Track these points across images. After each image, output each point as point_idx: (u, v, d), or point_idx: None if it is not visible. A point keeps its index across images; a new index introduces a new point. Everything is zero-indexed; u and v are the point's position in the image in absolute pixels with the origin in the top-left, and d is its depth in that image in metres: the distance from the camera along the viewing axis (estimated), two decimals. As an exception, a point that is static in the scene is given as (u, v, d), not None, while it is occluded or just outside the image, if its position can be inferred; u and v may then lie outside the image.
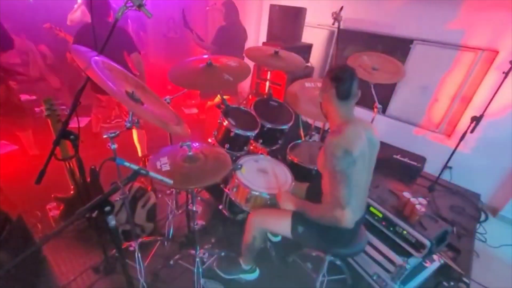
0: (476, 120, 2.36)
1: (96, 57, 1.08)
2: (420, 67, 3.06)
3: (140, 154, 2.64)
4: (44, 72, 3.41)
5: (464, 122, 2.77)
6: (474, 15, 2.61)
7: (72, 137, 1.19)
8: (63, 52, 3.12)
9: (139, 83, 1.36)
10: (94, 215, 1.21)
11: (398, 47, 3.14)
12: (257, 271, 1.77)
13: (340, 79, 1.22)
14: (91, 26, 2.19)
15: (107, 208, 0.91)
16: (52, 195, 1.84)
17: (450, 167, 2.87)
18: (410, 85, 3.17)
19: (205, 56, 1.82)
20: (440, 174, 2.78)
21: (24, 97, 3.18)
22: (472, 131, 2.42)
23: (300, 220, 1.39)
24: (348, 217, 1.19)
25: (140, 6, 1.04)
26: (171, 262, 1.76)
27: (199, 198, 2.33)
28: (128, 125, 1.32)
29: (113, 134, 1.29)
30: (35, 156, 2.66)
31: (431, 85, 3.05)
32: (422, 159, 2.89)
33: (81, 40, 2.19)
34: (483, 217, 2.63)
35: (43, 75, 3.40)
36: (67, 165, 1.71)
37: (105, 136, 1.29)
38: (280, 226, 1.44)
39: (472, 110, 2.71)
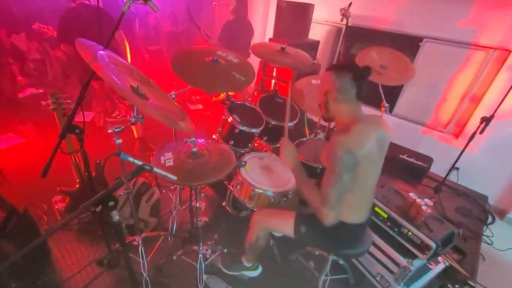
0: (486, 120, 2.31)
1: (102, 51, 1.08)
2: (429, 65, 3.00)
3: (136, 135, 2.79)
4: (60, 79, 3.42)
5: (473, 122, 2.72)
6: (486, 13, 2.55)
7: (77, 131, 1.18)
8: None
9: (144, 78, 1.35)
10: (98, 209, 1.22)
11: (407, 45, 3.08)
12: (260, 268, 1.77)
13: (364, 78, 1.16)
14: (73, 12, 2.28)
15: (111, 203, 0.91)
16: (58, 188, 1.85)
17: (458, 168, 2.82)
18: (418, 84, 3.11)
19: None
20: (447, 175, 2.74)
21: (30, 90, 3.22)
22: (481, 132, 2.37)
23: (303, 220, 1.38)
24: (330, 219, 1.17)
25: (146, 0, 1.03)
26: (174, 257, 1.76)
27: (202, 194, 2.33)
28: (133, 120, 1.31)
29: (118, 129, 1.29)
30: (42, 149, 2.69)
31: (440, 84, 2.99)
32: (428, 160, 2.85)
33: (68, 26, 2.29)
34: (490, 219, 2.59)
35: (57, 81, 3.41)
36: (73, 158, 1.72)
37: (110, 131, 1.29)
38: (283, 226, 1.43)
39: (482, 110, 2.66)
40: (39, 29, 2.64)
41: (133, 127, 2.74)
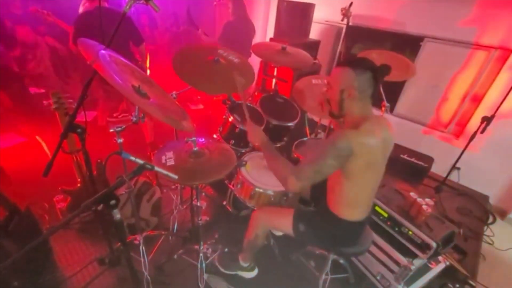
0: (487, 120, 2.31)
1: (103, 51, 1.08)
2: (430, 65, 3.00)
3: (147, 140, 2.80)
4: (48, 70, 3.39)
5: (474, 122, 2.71)
6: (487, 13, 2.54)
7: (79, 130, 1.19)
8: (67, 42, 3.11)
9: (146, 77, 1.36)
10: (99, 208, 1.22)
11: (408, 45, 3.08)
12: (256, 270, 1.77)
13: (383, 77, 1.12)
14: (92, 15, 2.20)
15: (113, 202, 0.91)
16: (59, 188, 1.86)
17: (458, 168, 2.82)
18: (419, 84, 3.11)
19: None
20: (447, 175, 2.74)
21: (32, 90, 3.22)
22: (482, 132, 2.37)
23: (302, 218, 1.38)
24: (294, 188, 1.13)
25: (147, -1, 1.03)
26: (175, 256, 1.77)
27: (203, 193, 2.33)
28: (134, 119, 1.32)
29: (119, 129, 1.30)
30: (43, 149, 2.70)
31: (441, 84, 2.99)
32: (429, 159, 2.85)
33: (84, 31, 2.18)
34: (491, 219, 2.59)
35: (46, 72, 3.38)
36: (74, 158, 1.73)
37: (111, 130, 1.30)
38: (282, 224, 1.44)
39: (483, 110, 2.65)
40: (37, 13, 2.57)
41: (145, 133, 2.76)
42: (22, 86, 2.44)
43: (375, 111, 2.38)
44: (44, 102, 1.54)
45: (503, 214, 2.70)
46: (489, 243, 2.35)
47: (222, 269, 1.73)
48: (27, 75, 3.01)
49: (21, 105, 2.33)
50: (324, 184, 1.35)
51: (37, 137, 2.43)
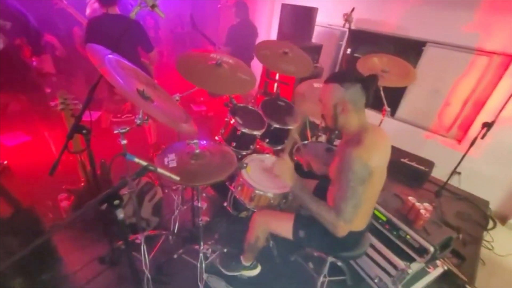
0: (488, 126, 2.32)
1: (110, 55, 1.11)
2: (432, 70, 3.01)
3: (150, 142, 2.86)
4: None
5: (476, 127, 2.72)
6: (490, 18, 2.55)
7: (84, 131, 1.22)
8: (73, 43, 3.14)
9: (150, 81, 1.39)
10: (103, 208, 1.25)
11: (410, 49, 3.10)
12: (259, 267, 1.78)
13: (372, 87, 1.15)
14: (102, 21, 2.21)
15: (116, 202, 0.94)
16: (63, 187, 1.89)
17: (459, 173, 2.82)
18: (421, 88, 3.13)
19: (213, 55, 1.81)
20: (448, 180, 2.74)
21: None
22: (482, 137, 2.37)
23: (302, 224, 1.39)
24: (346, 230, 1.16)
25: (153, 6, 1.07)
26: (175, 256, 1.79)
27: (204, 194, 2.36)
28: (138, 122, 1.35)
29: (123, 130, 1.33)
30: (48, 148, 2.74)
31: (443, 89, 3.00)
32: (430, 164, 2.86)
33: (94, 36, 2.19)
34: (491, 224, 2.59)
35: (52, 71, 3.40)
36: (79, 157, 1.76)
37: (115, 132, 1.33)
38: (282, 228, 1.45)
39: (485, 115, 2.66)
40: (57, 6, 2.57)
41: (148, 135, 2.81)
42: (40, 86, 2.49)
43: (376, 115, 2.40)
44: (51, 103, 1.58)
45: (503, 220, 2.70)
46: (489, 249, 2.35)
47: (224, 271, 1.75)
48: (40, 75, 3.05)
49: (38, 105, 2.35)
50: (325, 191, 1.37)
51: (46, 134, 2.46)
